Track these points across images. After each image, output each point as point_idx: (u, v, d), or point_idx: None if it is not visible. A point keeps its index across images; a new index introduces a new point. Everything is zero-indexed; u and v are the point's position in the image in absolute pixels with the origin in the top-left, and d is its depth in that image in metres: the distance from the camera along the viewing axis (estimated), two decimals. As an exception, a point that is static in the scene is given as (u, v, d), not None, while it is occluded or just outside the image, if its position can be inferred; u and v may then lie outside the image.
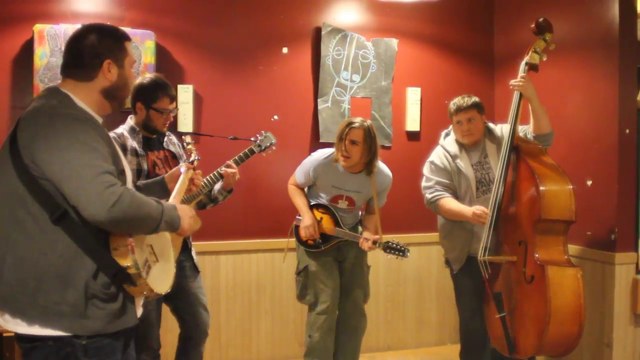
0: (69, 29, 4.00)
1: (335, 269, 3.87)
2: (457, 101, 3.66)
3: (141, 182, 2.96)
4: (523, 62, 3.44)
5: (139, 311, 2.13)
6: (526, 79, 3.39)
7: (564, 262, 3.29)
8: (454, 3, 5.04)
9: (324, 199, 3.87)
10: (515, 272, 3.40)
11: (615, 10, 3.72)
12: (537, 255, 3.28)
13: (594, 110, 3.80)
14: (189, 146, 3.21)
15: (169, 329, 3.83)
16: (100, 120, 2.10)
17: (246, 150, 3.52)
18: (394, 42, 4.83)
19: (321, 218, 3.84)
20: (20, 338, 2.00)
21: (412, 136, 4.93)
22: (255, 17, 4.55)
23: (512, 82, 3.43)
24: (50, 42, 3.97)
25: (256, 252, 4.59)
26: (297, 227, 3.90)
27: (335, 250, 3.88)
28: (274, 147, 3.60)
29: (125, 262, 1.93)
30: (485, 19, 5.10)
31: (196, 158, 3.10)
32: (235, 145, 3.72)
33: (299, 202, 3.91)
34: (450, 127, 3.75)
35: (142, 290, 2.00)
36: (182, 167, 2.87)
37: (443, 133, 3.81)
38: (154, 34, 4.18)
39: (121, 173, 2.05)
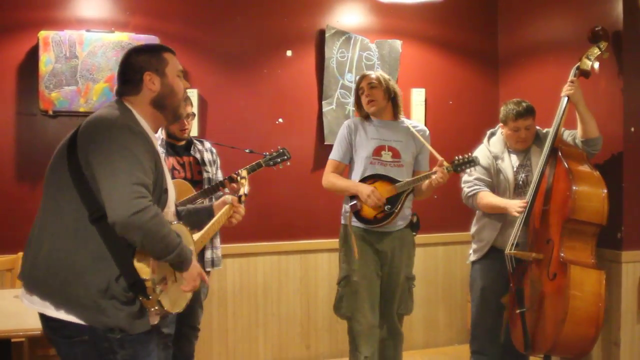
0: (74, 35, 4.03)
1: (376, 283, 3.63)
2: (514, 107, 3.58)
3: (190, 206, 2.83)
4: (574, 67, 3.51)
5: (154, 320, 2.21)
6: (575, 84, 3.44)
7: (589, 264, 3.31)
8: (458, 4, 5.04)
9: (364, 161, 3.59)
10: (539, 270, 3.43)
11: (619, 8, 3.72)
12: (562, 254, 3.30)
13: (598, 108, 3.79)
14: (242, 180, 3.03)
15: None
16: (154, 138, 2.24)
17: (255, 164, 3.69)
18: (397, 43, 4.84)
19: (374, 186, 3.54)
20: (56, 331, 2.12)
21: (417, 137, 4.92)
22: (259, 21, 4.57)
23: (564, 89, 3.47)
24: (55, 48, 3.99)
25: (263, 254, 4.59)
26: (356, 212, 3.57)
27: (377, 257, 3.62)
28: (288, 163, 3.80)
29: (144, 275, 2.04)
30: (489, 20, 5.10)
31: (244, 193, 2.92)
32: (245, 154, 3.89)
33: (343, 182, 3.63)
34: (497, 127, 3.78)
35: (153, 305, 2.09)
36: (229, 199, 2.76)
37: (488, 133, 3.83)
38: (158, 39, 4.19)
39: (164, 192, 2.18)
